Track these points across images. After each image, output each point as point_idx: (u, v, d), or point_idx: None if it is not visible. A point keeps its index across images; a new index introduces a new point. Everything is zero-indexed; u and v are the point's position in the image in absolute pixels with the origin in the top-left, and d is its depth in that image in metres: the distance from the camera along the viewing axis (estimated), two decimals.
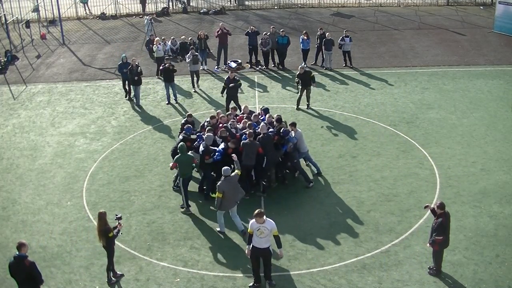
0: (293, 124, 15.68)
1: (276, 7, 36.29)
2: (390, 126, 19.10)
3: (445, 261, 12.44)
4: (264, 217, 11.36)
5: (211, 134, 14.94)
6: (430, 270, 12.19)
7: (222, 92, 20.30)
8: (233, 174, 13.50)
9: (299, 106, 20.60)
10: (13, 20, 31.72)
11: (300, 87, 20.37)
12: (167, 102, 21.65)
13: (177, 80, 21.58)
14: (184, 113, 20.60)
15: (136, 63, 21.20)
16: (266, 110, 17.08)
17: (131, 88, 21.79)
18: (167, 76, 21.36)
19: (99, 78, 24.82)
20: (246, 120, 16.09)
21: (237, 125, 16.05)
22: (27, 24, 32.40)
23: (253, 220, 11.41)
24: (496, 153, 17.20)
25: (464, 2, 35.96)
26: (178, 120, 20.12)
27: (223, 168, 13.37)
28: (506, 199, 14.80)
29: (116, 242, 12.25)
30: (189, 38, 27.34)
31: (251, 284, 11.95)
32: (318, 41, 24.86)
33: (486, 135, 18.37)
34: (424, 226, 13.53)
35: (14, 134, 19.66)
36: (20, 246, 10.51)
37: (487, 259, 12.55)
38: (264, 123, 15.53)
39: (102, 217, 11.77)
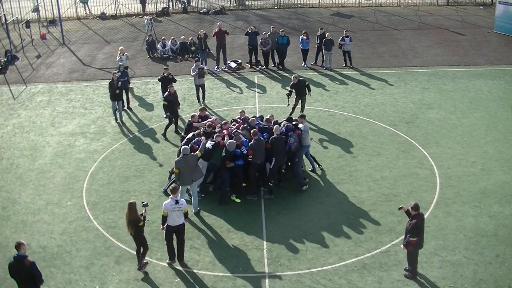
0: (303, 116, 16.03)
1: (276, 7, 36.27)
2: (390, 126, 19.10)
3: (445, 261, 12.47)
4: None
5: (234, 141, 14.81)
6: (406, 272, 12.15)
7: (166, 112, 18.64)
8: (192, 154, 14.30)
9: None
10: (13, 20, 31.68)
11: (295, 96, 19.48)
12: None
13: (177, 80, 21.41)
14: (184, 112, 20.56)
15: (117, 76, 19.87)
16: (261, 118, 16.93)
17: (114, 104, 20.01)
18: (166, 86, 19.43)
19: (99, 78, 24.80)
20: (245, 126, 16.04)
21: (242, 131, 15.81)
22: (27, 24, 32.37)
23: (167, 201, 12.29)
24: (496, 153, 17.20)
25: (464, 2, 35.91)
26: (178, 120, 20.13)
27: (182, 147, 14.38)
28: (506, 199, 14.80)
29: (116, 242, 12.24)
30: (189, 38, 27.34)
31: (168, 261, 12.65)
32: (318, 41, 24.84)
33: (486, 135, 18.37)
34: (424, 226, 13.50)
35: (14, 134, 19.65)
36: (19, 245, 10.53)
37: (487, 259, 12.55)
38: (278, 125, 15.51)
39: (132, 207, 12.02)
